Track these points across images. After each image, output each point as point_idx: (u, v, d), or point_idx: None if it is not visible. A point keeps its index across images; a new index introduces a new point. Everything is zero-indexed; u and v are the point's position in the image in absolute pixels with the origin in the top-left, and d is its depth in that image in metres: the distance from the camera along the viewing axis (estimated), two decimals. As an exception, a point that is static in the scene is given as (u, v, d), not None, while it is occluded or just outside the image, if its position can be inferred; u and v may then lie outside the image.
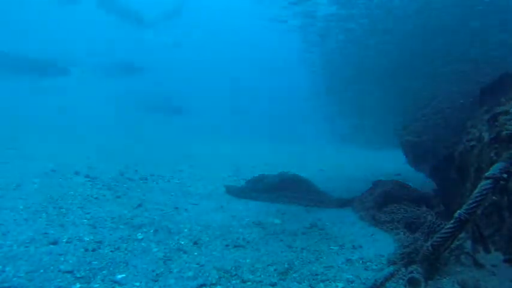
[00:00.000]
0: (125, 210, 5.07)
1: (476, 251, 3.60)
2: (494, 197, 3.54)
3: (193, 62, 38.63)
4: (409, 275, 3.18)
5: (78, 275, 3.19)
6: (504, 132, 3.89)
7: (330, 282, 3.41)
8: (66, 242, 3.81)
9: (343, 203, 6.56)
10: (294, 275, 3.53)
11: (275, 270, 3.60)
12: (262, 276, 3.47)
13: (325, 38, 12.85)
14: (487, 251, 3.39)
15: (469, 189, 4.57)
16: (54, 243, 3.75)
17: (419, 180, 7.79)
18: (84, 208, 4.96)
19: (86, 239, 3.96)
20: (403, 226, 4.84)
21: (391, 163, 12.30)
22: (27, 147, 9.98)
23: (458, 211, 3.25)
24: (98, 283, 3.11)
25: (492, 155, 4.04)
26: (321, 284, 3.37)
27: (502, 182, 3.30)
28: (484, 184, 3.30)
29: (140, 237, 4.18)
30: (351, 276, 3.51)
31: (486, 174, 3.38)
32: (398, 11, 9.99)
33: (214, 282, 3.29)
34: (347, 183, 8.96)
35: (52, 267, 3.26)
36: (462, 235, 3.54)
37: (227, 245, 4.19)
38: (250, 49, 38.83)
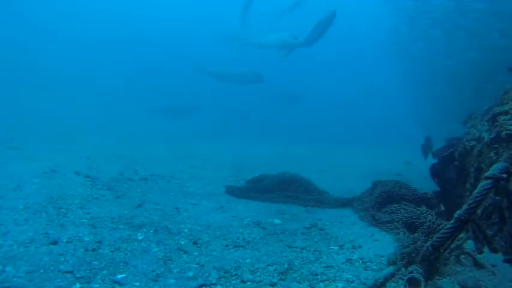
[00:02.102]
0: (124, 210, 5.07)
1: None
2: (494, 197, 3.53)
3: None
4: (409, 275, 3.18)
5: (78, 275, 3.19)
6: (504, 132, 3.89)
7: (329, 282, 3.41)
8: (66, 242, 3.81)
9: (343, 203, 6.55)
10: (294, 275, 3.53)
11: (275, 270, 3.60)
12: (262, 276, 3.47)
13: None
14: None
15: (469, 189, 4.57)
16: (54, 243, 3.75)
17: (419, 180, 7.78)
18: (84, 208, 4.96)
19: (86, 239, 3.96)
20: (403, 226, 4.83)
21: (392, 163, 12.30)
22: (27, 147, 9.99)
23: (458, 211, 3.24)
24: (98, 283, 3.11)
25: (492, 155, 4.03)
26: (321, 284, 3.37)
27: (502, 182, 3.30)
28: (484, 184, 3.29)
29: (140, 237, 4.19)
30: (351, 276, 3.51)
31: (486, 174, 3.38)
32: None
33: (214, 282, 3.29)
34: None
35: (52, 267, 3.26)
36: (462, 235, 3.54)
37: (227, 245, 4.19)
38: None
